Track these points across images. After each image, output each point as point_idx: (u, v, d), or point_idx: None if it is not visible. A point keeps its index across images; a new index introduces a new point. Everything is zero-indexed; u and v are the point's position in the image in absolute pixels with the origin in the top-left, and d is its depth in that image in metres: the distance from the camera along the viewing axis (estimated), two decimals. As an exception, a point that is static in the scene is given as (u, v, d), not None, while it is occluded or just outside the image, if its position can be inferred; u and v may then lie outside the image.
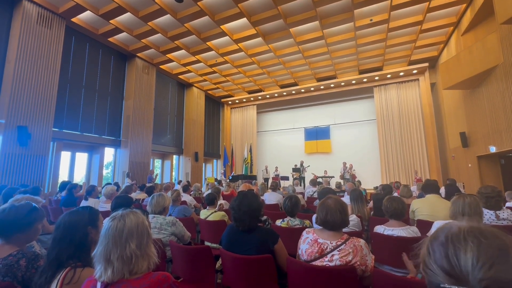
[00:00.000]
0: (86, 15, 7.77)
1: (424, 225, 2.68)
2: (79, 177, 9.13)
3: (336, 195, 1.87)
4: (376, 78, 11.74)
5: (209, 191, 4.76)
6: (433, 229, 2.16)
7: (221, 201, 4.25)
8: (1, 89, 6.68)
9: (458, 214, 1.96)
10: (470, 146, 8.08)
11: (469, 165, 8.14)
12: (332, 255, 1.52)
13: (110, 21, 7.92)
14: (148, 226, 1.08)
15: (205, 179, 13.61)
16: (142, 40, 9.06)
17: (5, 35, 6.88)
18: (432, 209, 2.93)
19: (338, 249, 1.52)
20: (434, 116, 10.81)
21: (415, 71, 11.02)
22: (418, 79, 11.33)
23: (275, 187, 5.65)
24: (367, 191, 8.03)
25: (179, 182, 10.28)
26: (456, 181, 6.24)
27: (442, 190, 5.53)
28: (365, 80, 11.95)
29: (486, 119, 7.02)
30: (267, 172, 13.19)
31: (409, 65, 10.95)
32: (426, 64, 10.60)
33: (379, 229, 2.29)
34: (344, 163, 11.88)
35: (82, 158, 9.17)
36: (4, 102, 6.54)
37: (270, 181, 11.84)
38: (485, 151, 7.16)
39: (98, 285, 0.97)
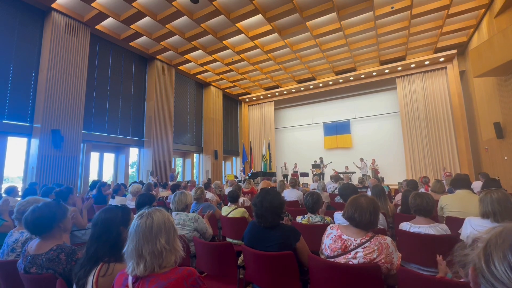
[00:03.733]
0: (109, 21, 8.14)
1: (454, 222, 2.54)
2: (107, 177, 9.66)
3: (359, 191, 1.83)
4: (399, 68, 11.20)
5: (230, 188, 4.83)
6: (466, 226, 2.04)
7: (242, 198, 4.31)
8: (36, 96, 7.22)
9: (488, 213, 1.83)
10: (505, 137, 7.49)
11: (505, 157, 7.55)
12: (356, 252, 1.49)
13: (131, 26, 8.24)
14: (173, 222, 1.14)
15: (225, 176, 13.83)
16: (161, 43, 9.33)
17: (38, 45, 7.40)
18: (463, 205, 2.77)
19: (362, 247, 1.49)
20: (464, 106, 10.12)
21: (442, 59, 10.35)
22: (445, 68, 10.64)
23: (295, 184, 5.62)
24: (391, 187, 7.73)
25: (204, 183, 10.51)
26: (490, 175, 5.81)
27: (476, 185, 5.20)
28: (386, 71, 11.44)
29: (524, 107, 6.46)
30: (286, 169, 13.13)
31: (435, 53, 10.31)
32: (455, 51, 9.92)
33: (405, 226, 2.21)
34: (361, 159, 11.56)
35: (109, 158, 9.69)
36: (39, 108, 7.06)
37: (289, 177, 11.78)
38: (523, 142, 6.61)
39: (130, 278, 1.03)
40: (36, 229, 1.52)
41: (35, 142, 6.97)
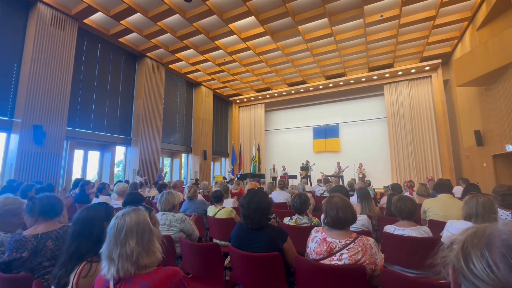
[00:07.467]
0: (98, 16, 7.93)
1: (436, 225, 2.62)
2: (92, 175, 9.37)
3: (343, 193, 1.86)
4: (387, 75, 11.51)
5: (217, 188, 4.79)
6: (448, 229, 2.11)
7: (230, 199, 4.27)
8: (17, 89, 6.92)
9: (471, 215, 1.91)
10: (485, 144, 7.83)
11: (484, 164, 7.89)
12: (341, 254, 1.51)
13: (121, 22, 8.06)
14: (149, 223, 1.08)
15: (214, 177, 13.71)
16: (151, 40, 9.18)
17: (21, 37, 7.11)
18: (445, 209, 2.86)
19: (347, 248, 1.51)
20: (447, 114, 10.51)
21: (427, 68, 10.73)
22: (430, 76, 11.03)
23: (283, 186, 5.64)
24: (377, 190, 7.90)
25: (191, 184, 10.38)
26: (470, 180, 6.05)
27: (457, 189, 5.39)
28: (375, 77, 11.73)
29: (502, 116, 6.77)
30: (274, 171, 13.17)
31: (421, 61, 10.67)
32: (439, 61, 10.31)
33: (389, 228, 2.26)
34: (338, 163, 11.86)
35: (94, 156, 9.40)
36: (21, 102, 6.77)
37: (278, 179, 11.82)
38: (501, 150, 6.92)
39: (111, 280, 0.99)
40: (47, 213, 1.66)
41: (15, 138, 6.66)
